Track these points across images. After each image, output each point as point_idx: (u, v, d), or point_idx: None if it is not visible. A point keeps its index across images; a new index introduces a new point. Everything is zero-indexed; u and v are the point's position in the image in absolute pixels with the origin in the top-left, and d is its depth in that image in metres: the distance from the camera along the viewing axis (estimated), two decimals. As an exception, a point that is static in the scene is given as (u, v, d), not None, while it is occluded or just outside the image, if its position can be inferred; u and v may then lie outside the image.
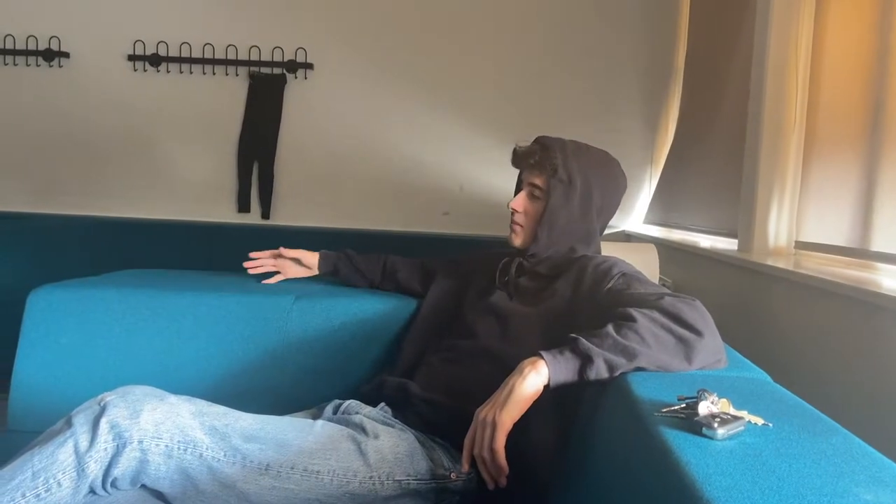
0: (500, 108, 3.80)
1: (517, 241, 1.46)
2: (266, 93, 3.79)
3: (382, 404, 1.33)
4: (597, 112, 3.76)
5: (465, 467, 1.09)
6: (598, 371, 1.01)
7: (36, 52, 3.86)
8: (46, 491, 0.97)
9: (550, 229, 1.41)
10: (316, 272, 1.78)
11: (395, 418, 1.28)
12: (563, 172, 1.39)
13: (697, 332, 1.04)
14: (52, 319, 1.60)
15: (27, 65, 3.90)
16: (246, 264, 1.76)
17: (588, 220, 1.43)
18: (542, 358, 1.02)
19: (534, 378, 1.02)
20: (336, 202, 3.83)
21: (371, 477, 1.14)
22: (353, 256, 1.79)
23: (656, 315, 1.05)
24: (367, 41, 3.84)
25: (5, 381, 1.58)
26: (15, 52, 3.86)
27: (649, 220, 3.67)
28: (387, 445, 1.18)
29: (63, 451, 0.98)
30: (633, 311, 1.06)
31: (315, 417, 1.28)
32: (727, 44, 2.73)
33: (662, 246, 2.76)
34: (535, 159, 1.41)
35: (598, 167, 1.44)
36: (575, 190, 1.40)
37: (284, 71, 3.81)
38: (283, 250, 1.75)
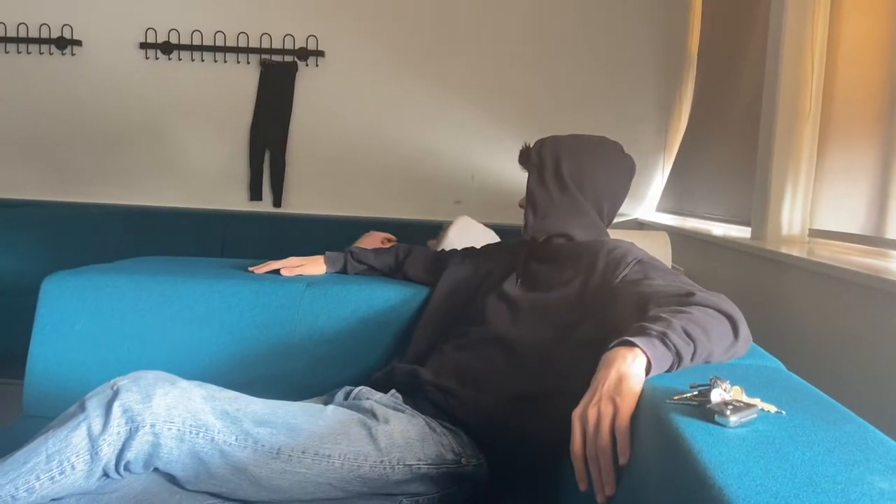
0: (512, 96, 3.78)
1: (523, 229, 1.49)
2: (277, 81, 3.79)
3: (393, 391, 1.34)
4: (609, 99, 3.74)
5: (583, 484, 0.91)
6: (679, 367, 0.96)
7: (48, 41, 3.88)
8: (60, 474, 0.98)
9: (534, 211, 1.45)
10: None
11: (406, 404, 1.29)
12: (535, 157, 1.46)
13: (738, 324, 1.04)
14: (66, 306, 1.62)
15: (40, 53, 3.92)
16: (251, 269, 1.75)
17: (570, 196, 1.42)
18: (638, 346, 0.93)
19: (639, 366, 0.92)
20: (347, 190, 3.83)
21: (381, 461, 1.14)
22: (358, 254, 1.78)
23: (709, 311, 1.03)
24: (379, 29, 3.82)
25: (20, 366, 1.60)
26: (28, 41, 3.88)
27: (662, 207, 3.65)
28: (397, 430, 1.19)
29: (77, 434, 0.99)
30: (690, 308, 1.02)
31: (326, 404, 1.29)
32: (742, 29, 2.70)
33: (675, 234, 2.75)
34: (522, 154, 1.50)
35: (576, 146, 1.46)
36: (545, 168, 1.44)
37: (296, 59, 3.80)
38: (283, 271, 1.72)
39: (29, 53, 3.92)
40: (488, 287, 1.49)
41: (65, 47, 3.90)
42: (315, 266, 1.76)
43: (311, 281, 1.70)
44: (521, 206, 1.51)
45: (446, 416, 1.27)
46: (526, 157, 1.49)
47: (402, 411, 1.25)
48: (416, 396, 1.31)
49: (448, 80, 3.82)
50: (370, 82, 3.84)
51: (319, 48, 3.82)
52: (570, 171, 1.42)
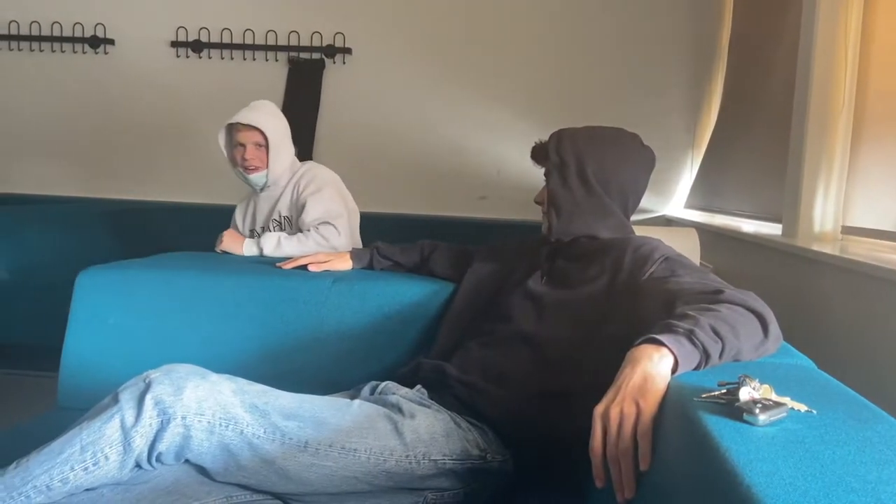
0: (538, 91, 3.77)
1: (544, 228, 1.48)
2: (305, 78, 3.82)
3: (419, 386, 1.34)
4: (637, 94, 3.71)
5: (601, 482, 0.91)
6: (706, 365, 0.95)
7: (82, 39, 3.95)
8: (94, 464, 1.00)
9: (557, 212, 1.42)
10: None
11: (432, 399, 1.29)
12: (555, 155, 1.42)
13: (768, 322, 1.02)
14: (99, 300, 1.65)
15: (74, 52, 3.99)
16: (279, 264, 1.77)
17: (595, 197, 1.41)
18: (665, 345, 0.92)
19: (666, 365, 0.91)
20: (374, 186, 3.85)
21: (407, 456, 1.15)
22: (384, 250, 1.79)
23: (738, 308, 1.02)
24: (405, 25, 3.83)
25: (55, 359, 1.63)
26: (62, 39, 3.95)
27: (690, 204, 3.61)
28: (423, 425, 1.19)
29: (110, 426, 1.01)
30: (718, 306, 1.01)
31: (352, 398, 1.30)
32: (773, 23, 2.65)
33: (704, 231, 2.72)
34: (538, 151, 1.47)
35: (596, 142, 1.43)
36: (568, 168, 1.41)
37: (323, 56, 3.83)
38: (310, 267, 1.74)
39: (63, 52, 4.00)
40: (513, 284, 1.49)
41: (98, 46, 3.96)
42: (341, 262, 1.77)
43: (337, 277, 1.71)
44: (537, 202, 1.50)
45: (471, 412, 1.28)
46: (543, 155, 1.46)
47: (428, 407, 1.26)
48: (442, 392, 1.32)
49: (474, 76, 3.82)
50: (397, 79, 3.85)
51: (347, 45, 3.84)
52: (595, 170, 1.40)
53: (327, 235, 2.04)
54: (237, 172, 2.23)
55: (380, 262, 1.79)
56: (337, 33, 3.82)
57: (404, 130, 3.85)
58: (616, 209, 1.42)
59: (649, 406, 0.88)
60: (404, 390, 1.32)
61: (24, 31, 3.95)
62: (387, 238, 1.88)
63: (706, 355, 0.94)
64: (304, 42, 3.83)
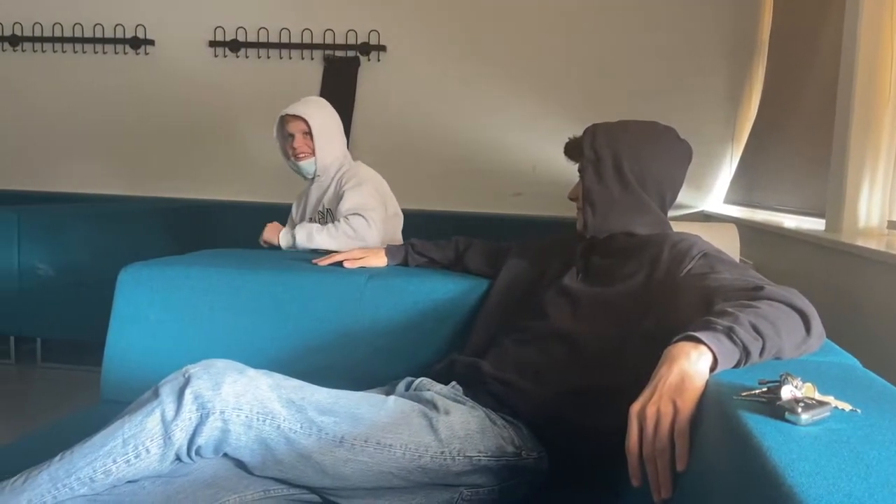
0: (573, 87, 3.74)
1: (578, 225, 1.47)
2: (340, 75, 3.85)
3: (453, 382, 1.34)
4: (675, 88, 3.65)
5: (637, 481, 0.90)
6: (746, 363, 0.93)
7: (123, 41, 4.03)
8: (136, 457, 1.02)
9: (593, 209, 1.40)
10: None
11: (466, 396, 1.29)
12: (590, 151, 1.40)
13: (810, 319, 1.00)
14: (140, 296, 1.68)
15: (115, 53, 4.08)
16: (315, 261, 1.79)
17: (632, 193, 1.39)
18: (703, 343, 0.90)
19: (704, 363, 0.89)
20: (408, 183, 3.85)
21: (442, 452, 1.15)
22: (419, 246, 1.79)
23: (779, 305, 1.00)
24: (439, 22, 3.83)
25: (99, 354, 1.67)
26: (104, 41, 4.04)
27: (730, 199, 3.54)
28: (458, 422, 1.19)
29: (151, 419, 1.03)
30: (758, 303, 0.99)
31: (387, 394, 1.30)
32: (816, 12, 2.59)
33: (744, 226, 2.67)
34: (573, 146, 1.45)
35: (632, 137, 1.40)
36: (603, 164, 1.39)
37: (358, 54, 3.85)
38: (345, 263, 1.75)
39: (105, 53, 4.09)
40: (548, 281, 1.48)
41: (138, 47, 4.05)
42: (376, 258, 1.78)
43: (372, 273, 1.72)
44: (571, 199, 1.49)
45: (506, 409, 1.27)
46: (577, 150, 1.44)
47: (463, 403, 1.26)
48: (477, 389, 1.31)
49: (509, 71, 3.80)
50: (431, 75, 3.86)
51: (381, 42, 3.85)
52: (631, 166, 1.38)
53: (356, 226, 2.06)
54: (290, 164, 2.34)
55: (415, 259, 1.79)
56: (372, 31, 3.84)
57: (439, 127, 3.85)
58: (653, 205, 1.40)
59: (687, 405, 0.86)
60: (439, 386, 1.32)
61: (68, 34, 4.05)
62: (422, 235, 1.88)
63: (746, 353, 0.92)
64: (340, 40, 3.86)
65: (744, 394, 0.82)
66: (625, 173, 1.38)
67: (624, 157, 1.38)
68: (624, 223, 1.40)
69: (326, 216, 2.29)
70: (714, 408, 0.84)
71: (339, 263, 1.76)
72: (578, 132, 1.47)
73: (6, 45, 4.14)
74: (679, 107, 3.52)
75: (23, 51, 4.15)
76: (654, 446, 0.87)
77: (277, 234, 2.14)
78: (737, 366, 0.92)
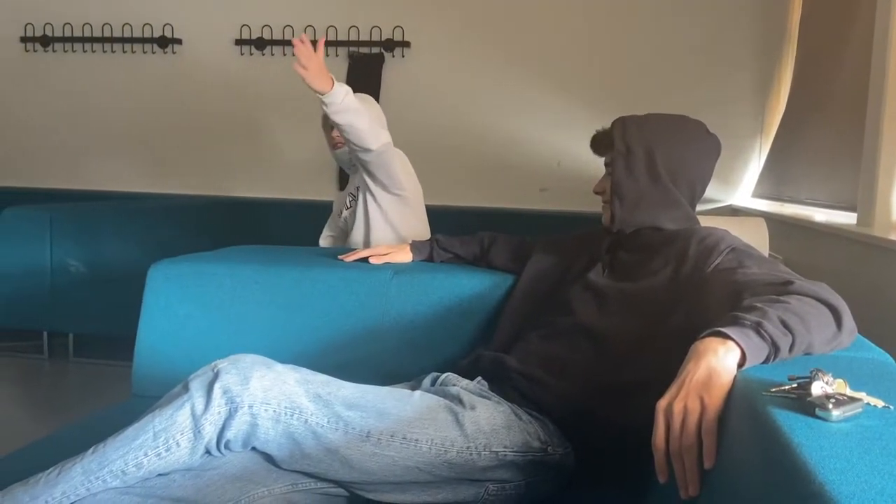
0: (598, 81, 3.71)
1: (604, 219, 1.46)
2: (365, 72, 3.86)
3: (479, 378, 1.34)
4: (701, 80, 3.61)
5: (663, 477, 0.89)
6: (775, 359, 0.92)
7: (151, 40, 4.08)
8: (167, 450, 1.04)
9: (621, 202, 1.39)
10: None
11: (492, 391, 1.29)
12: (621, 144, 1.38)
13: (841, 314, 0.99)
14: (170, 293, 1.71)
15: (144, 52, 4.13)
16: (341, 257, 1.79)
17: (662, 187, 1.38)
18: (731, 338, 0.89)
19: (732, 359, 0.89)
20: (433, 179, 3.85)
21: (468, 447, 1.15)
22: (444, 242, 1.79)
23: (808, 300, 0.98)
24: (463, 17, 3.83)
25: (130, 348, 1.70)
26: (133, 41, 4.10)
27: (759, 193, 3.50)
28: (483, 417, 1.19)
29: (181, 413, 1.04)
30: (788, 298, 0.98)
31: (413, 389, 1.31)
32: (847, 3, 2.54)
33: (773, 220, 2.63)
34: (602, 138, 1.43)
35: (664, 131, 1.39)
36: (635, 157, 1.37)
37: (382, 50, 3.86)
38: (371, 259, 1.75)
39: (133, 53, 4.14)
40: (573, 276, 1.47)
41: (166, 46, 4.09)
42: (402, 254, 1.79)
43: (398, 269, 1.72)
44: (597, 192, 1.47)
45: (532, 405, 1.27)
46: (605, 143, 1.42)
47: (489, 398, 1.26)
48: (502, 384, 1.31)
49: (533, 66, 3.79)
50: (455, 70, 3.85)
51: (405, 38, 3.85)
52: (663, 160, 1.36)
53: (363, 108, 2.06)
54: (333, 155, 2.43)
55: (440, 255, 1.80)
56: (396, 27, 3.85)
57: (463, 122, 3.85)
58: (682, 200, 1.39)
59: (714, 401, 0.86)
60: (465, 382, 1.32)
61: (98, 34, 4.12)
62: (447, 230, 1.89)
63: (775, 348, 0.91)
64: (364, 37, 3.87)
65: (773, 390, 0.81)
66: (656, 167, 1.37)
67: (656, 151, 1.37)
68: (652, 217, 1.39)
69: (358, 195, 2.34)
70: (743, 404, 0.84)
71: (365, 259, 1.77)
72: (603, 126, 1.46)
73: (38, 45, 4.22)
74: (707, 100, 3.48)
75: (53, 51, 4.23)
76: (682, 443, 0.86)
77: (329, 83, 1.99)
78: (766, 361, 0.91)
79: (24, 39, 4.22)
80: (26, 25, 4.20)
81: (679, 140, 1.39)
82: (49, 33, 4.19)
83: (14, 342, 3.36)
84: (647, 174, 1.37)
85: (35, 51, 4.25)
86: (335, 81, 2.00)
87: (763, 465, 0.73)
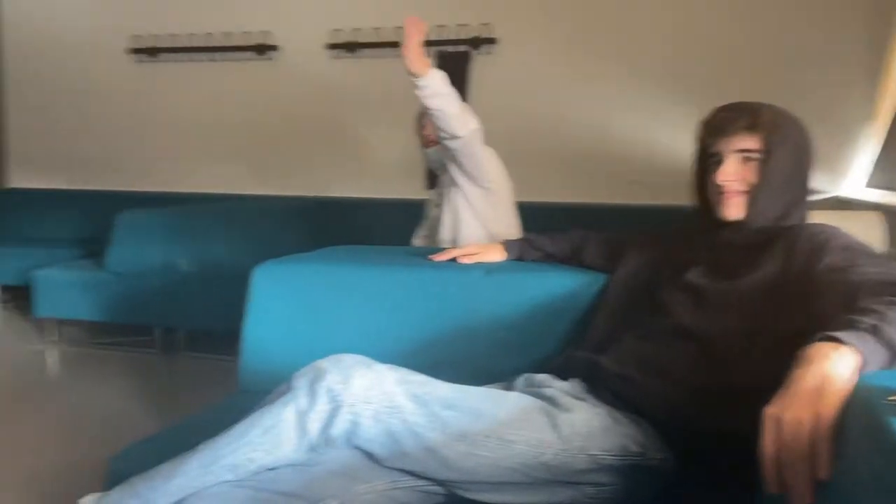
0: (690, 68, 3.59)
1: (735, 212, 1.34)
2: (453, 71, 3.87)
3: (574, 379, 1.33)
4: (807, 63, 3.41)
5: (774, 488, 0.85)
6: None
7: (250, 47, 4.25)
8: (274, 447, 1.09)
9: (771, 192, 1.31)
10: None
11: (588, 394, 1.28)
12: (777, 131, 1.30)
13: None
14: (273, 292, 1.78)
15: (243, 60, 4.31)
16: (432, 257, 1.81)
17: (802, 181, 1.34)
18: (845, 343, 0.86)
19: (846, 365, 0.85)
20: (522, 175, 3.83)
21: (564, 450, 1.15)
22: (535, 241, 1.78)
23: None
24: (550, 11, 3.79)
25: (236, 344, 1.78)
26: (233, 49, 4.28)
27: (874, 182, 3.28)
28: (579, 420, 1.18)
29: (287, 411, 1.09)
30: None
31: (507, 389, 1.31)
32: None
33: (892, 213, 2.46)
34: (747, 122, 1.31)
35: (796, 123, 1.35)
36: (794, 145, 1.32)
37: (469, 48, 3.87)
38: (462, 259, 1.76)
39: (234, 61, 4.32)
40: (669, 276, 1.43)
41: (263, 53, 4.25)
42: (493, 253, 1.79)
43: (489, 268, 1.73)
44: (723, 181, 1.33)
45: (629, 407, 1.25)
46: (750, 126, 1.30)
47: (584, 400, 1.25)
48: (597, 386, 1.30)
49: (621, 58, 3.70)
50: (543, 66, 3.82)
51: (492, 35, 3.85)
52: (808, 153, 1.33)
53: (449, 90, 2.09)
54: (424, 154, 2.50)
55: (531, 254, 1.79)
56: (482, 24, 3.85)
57: (552, 118, 3.81)
58: (807, 197, 1.35)
59: (828, 410, 0.82)
60: (560, 383, 1.31)
61: (200, 44, 4.32)
62: (538, 227, 1.88)
63: (895, 353, 0.86)
64: (451, 35, 3.89)
65: (893, 397, 0.77)
66: (802, 160, 1.33)
67: (803, 143, 1.33)
68: (783, 214, 1.33)
69: (445, 193, 2.36)
70: (860, 412, 0.80)
71: (454, 259, 1.78)
72: (696, 118, 1.40)
73: (145, 56, 4.47)
74: (813, 84, 3.30)
75: (161, 61, 4.47)
76: (794, 453, 0.83)
77: (426, 67, 2.09)
78: (886, 367, 0.86)
79: (134, 51, 4.48)
80: (135, 37, 4.46)
81: (803, 131, 1.35)
82: (155, 45, 4.43)
83: (129, 337, 3.58)
84: (796, 167, 1.33)
85: (143, 62, 4.50)
86: (431, 66, 2.07)
87: (882, 477, 0.69)
